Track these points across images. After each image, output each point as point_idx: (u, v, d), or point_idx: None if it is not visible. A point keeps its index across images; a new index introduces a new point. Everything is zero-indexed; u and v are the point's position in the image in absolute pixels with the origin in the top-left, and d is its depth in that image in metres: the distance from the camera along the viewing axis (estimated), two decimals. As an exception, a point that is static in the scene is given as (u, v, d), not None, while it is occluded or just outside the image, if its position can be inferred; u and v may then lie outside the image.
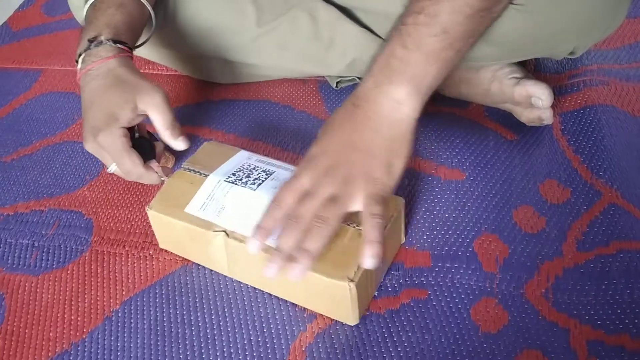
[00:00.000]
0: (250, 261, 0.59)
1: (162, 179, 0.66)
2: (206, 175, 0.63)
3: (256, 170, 0.63)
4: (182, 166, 0.66)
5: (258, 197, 0.60)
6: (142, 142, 0.67)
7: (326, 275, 0.54)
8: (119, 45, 0.66)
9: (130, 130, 0.65)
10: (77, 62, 0.67)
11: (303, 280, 0.53)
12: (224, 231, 0.59)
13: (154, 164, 0.67)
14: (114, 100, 0.63)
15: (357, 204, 0.54)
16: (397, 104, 0.55)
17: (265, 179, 0.62)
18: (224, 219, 0.60)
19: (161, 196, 0.64)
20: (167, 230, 0.65)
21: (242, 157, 0.66)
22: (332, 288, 0.55)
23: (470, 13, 0.54)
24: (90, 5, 0.69)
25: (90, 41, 0.65)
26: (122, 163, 0.63)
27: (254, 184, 0.61)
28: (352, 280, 0.54)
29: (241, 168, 0.64)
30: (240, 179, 0.62)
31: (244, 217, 0.59)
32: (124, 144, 0.62)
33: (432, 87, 0.55)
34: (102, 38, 0.65)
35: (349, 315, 0.57)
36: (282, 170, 0.63)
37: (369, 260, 0.53)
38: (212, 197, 0.61)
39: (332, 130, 0.58)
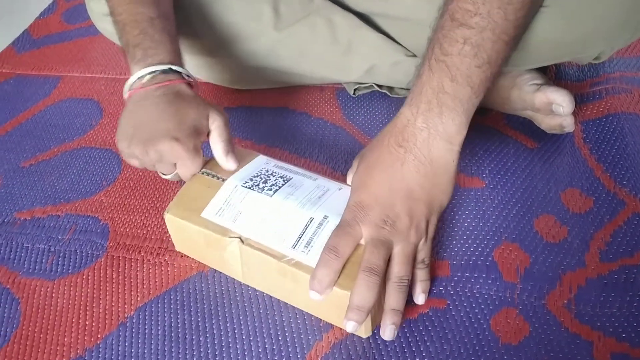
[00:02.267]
0: (264, 269, 0.58)
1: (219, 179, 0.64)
2: (223, 180, 0.63)
3: (273, 176, 0.63)
4: (200, 172, 0.66)
5: (274, 203, 0.59)
6: None
7: (339, 287, 0.53)
8: (185, 76, 0.66)
9: None
10: (127, 88, 0.65)
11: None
12: (239, 237, 0.58)
13: None
14: (192, 115, 0.62)
15: (416, 248, 0.57)
16: (449, 145, 0.55)
17: (282, 185, 0.61)
18: (240, 225, 0.59)
19: (178, 200, 0.63)
20: (183, 234, 0.64)
21: (260, 162, 0.65)
22: (345, 299, 0.53)
23: (507, 40, 0.53)
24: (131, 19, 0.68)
25: (155, 64, 0.64)
26: (193, 169, 0.63)
27: (270, 189, 0.61)
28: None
29: (259, 173, 0.63)
30: (257, 184, 0.62)
31: (260, 223, 0.58)
32: (198, 153, 0.62)
33: (472, 115, 0.56)
34: (172, 67, 0.64)
35: (360, 328, 0.55)
36: (299, 176, 0.63)
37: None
38: (229, 202, 0.61)
39: (380, 174, 0.56)
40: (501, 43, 0.54)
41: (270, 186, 0.61)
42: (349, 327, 0.52)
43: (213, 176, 0.64)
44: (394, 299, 0.54)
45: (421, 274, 0.58)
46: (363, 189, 0.57)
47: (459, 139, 0.55)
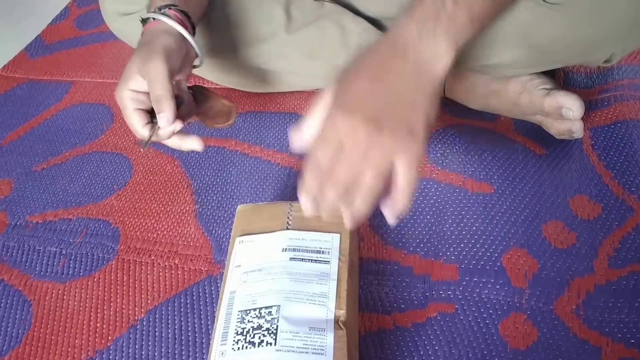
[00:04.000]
0: None
1: (150, 142, 0.63)
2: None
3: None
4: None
5: None
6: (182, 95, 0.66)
7: None
8: (164, 11, 0.66)
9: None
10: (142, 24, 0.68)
11: None
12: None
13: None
14: (130, 62, 0.63)
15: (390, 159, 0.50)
16: (434, 59, 0.52)
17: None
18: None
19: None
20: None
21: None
22: None
23: None
24: None
25: (151, 10, 0.66)
26: (127, 121, 0.64)
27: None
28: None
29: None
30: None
31: None
32: (127, 105, 0.63)
33: (462, 48, 0.54)
34: (154, 7, 0.66)
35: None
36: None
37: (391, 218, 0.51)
38: None
39: (369, 73, 0.53)
40: None
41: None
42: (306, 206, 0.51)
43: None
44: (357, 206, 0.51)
45: (399, 195, 0.51)
46: (349, 83, 0.52)
47: (446, 58, 0.52)
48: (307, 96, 0.89)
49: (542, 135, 0.74)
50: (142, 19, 0.67)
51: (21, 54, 1.12)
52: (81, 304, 0.66)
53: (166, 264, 0.68)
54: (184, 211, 0.74)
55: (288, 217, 0.61)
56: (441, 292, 0.60)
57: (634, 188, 0.67)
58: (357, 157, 0.49)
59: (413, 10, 0.54)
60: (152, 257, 0.69)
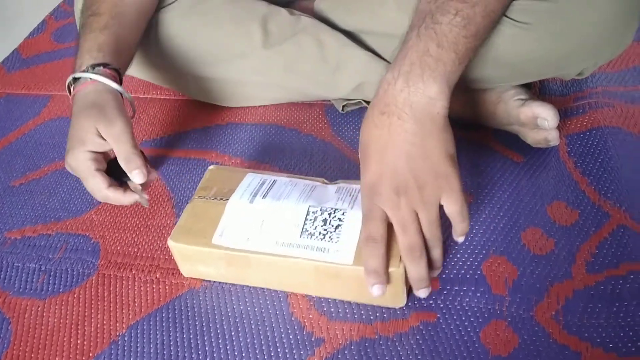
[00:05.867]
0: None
1: (138, 197, 0.67)
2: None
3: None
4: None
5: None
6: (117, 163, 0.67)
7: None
8: (99, 69, 0.67)
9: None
10: (69, 89, 0.70)
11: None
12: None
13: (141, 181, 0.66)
14: (82, 125, 0.65)
15: (438, 207, 0.56)
16: (430, 99, 0.54)
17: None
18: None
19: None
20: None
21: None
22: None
23: (494, 18, 0.57)
24: (79, 31, 0.73)
25: (76, 70, 0.68)
26: (87, 185, 0.66)
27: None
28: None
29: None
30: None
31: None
32: (88, 167, 0.65)
33: (454, 85, 0.56)
34: (85, 65, 0.67)
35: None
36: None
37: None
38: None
39: (375, 150, 0.56)
40: (489, 20, 0.57)
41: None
42: (422, 294, 0.58)
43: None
44: (435, 254, 0.57)
45: (458, 224, 0.58)
46: (366, 171, 0.57)
47: (442, 98, 0.55)
48: (286, 108, 0.89)
49: (519, 143, 0.75)
50: (74, 78, 0.68)
51: (-2, 68, 1.11)
52: (61, 321, 0.65)
53: (147, 278, 0.68)
54: (165, 225, 0.74)
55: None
56: (423, 301, 0.60)
57: (609, 194, 0.68)
58: (413, 227, 0.54)
59: (399, 62, 0.56)
60: (134, 272, 0.69)
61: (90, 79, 0.67)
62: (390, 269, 0.56)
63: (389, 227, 0.56)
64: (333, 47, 0.80)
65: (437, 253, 0.57)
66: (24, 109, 0.99)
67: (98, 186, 0.66)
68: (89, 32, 0.70)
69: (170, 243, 0.63)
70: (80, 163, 0.65)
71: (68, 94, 0.71)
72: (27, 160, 0.88)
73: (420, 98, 0.54)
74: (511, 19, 0.63)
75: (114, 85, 0.68)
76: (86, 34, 0.71)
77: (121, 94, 0.70)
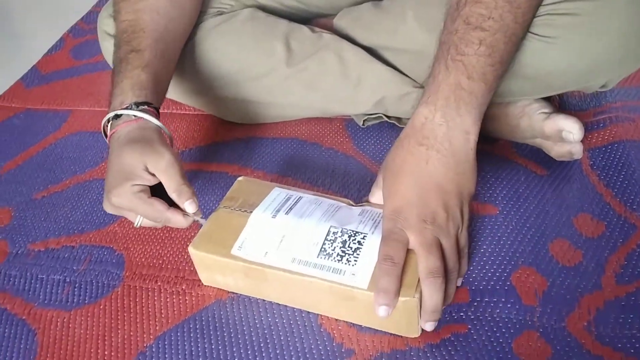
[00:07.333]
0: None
1: (196, 219, 0.65)
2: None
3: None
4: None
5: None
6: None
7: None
8: (143, 107, 0.67)
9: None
10: (105, 130, 0.68)
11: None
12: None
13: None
14: (127, 161, 0.63)
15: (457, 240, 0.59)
16: (466, 135, 0.57)
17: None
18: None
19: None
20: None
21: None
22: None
23: (515, 41, 0.58)
24: (114, 68, 0.71)
25: (116, 107, 0.67)
26: (147, 214, 0.63)
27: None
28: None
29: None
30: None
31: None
32: (140, 197, 0.62)
33: (484, 112, 0.59)
34: (128, 102, 0.66)
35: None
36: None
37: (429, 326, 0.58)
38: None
39: (407, 176, 0.58)
40: (511, 44, 0.59)
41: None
42: (429, 327, 0.57)
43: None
44: (450, 289, 0.58)
45: (463, 262, 0.60)
46: (395, 195, 0.58)
47: (475, 129, 0.58)
48: (307, 122, 0.90)
49: (542, 156, 0.76)
50: (116, 115, 0.66)
51: (17, 84, 1.12)
52: (87, 332, 0.65)
53: (173, 289, 0.68)
54: (188, 236, 0.74)
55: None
56: (454, 314, 0.60)
57: (635, 206, 0.68)
58: (437, 251, 0.56)
59: (432, 96, 0.58)
60: (159, 283, 0.69)
61: (135, 116, 0.66)
62: (406, 298, 0.55)
63: (407, 253, 0.56)
64: (354, 62, 0.81)
65: (451, 288, 0.58)
66: (44, 124, 1.00)
67: (159, 211, 0.62)
68: (131, 70, 0.69)
69: (191, 250, 0.63)
70: (132, 197, 0.62)
71: (102, 131, 0.69)
72: (49, 173, 0.89)
73: (459, 133, 0.57)
74: (534, 33, 0.63)
75: (158, 122, 0.67)
76: (127, 71, 0.69)
77: (162, 130, 0.68)
